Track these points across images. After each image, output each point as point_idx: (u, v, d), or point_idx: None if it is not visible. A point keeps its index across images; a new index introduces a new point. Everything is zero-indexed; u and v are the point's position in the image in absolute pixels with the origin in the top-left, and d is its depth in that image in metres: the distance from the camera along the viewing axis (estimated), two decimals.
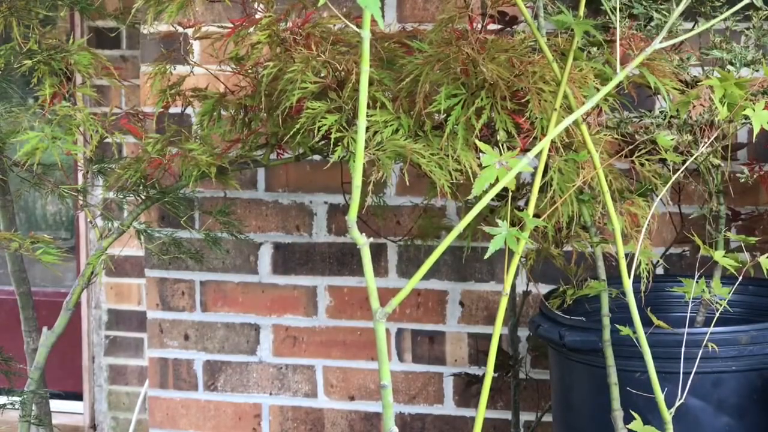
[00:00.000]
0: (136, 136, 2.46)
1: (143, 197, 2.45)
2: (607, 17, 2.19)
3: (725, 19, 2.08)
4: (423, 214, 2.86)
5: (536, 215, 1.86)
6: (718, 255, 1.94)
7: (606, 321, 2.10)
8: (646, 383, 1.93)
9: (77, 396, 4.32)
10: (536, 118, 1.97)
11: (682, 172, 1.92)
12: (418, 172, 2.03)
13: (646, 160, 2.15)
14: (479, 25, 2.12)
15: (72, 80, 2.48)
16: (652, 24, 2.23)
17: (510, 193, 1.92)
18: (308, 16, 2.24)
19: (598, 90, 1.86)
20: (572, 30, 1.75)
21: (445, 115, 2.05)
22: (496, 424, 2.91)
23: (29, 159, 2.27)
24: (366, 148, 1.99)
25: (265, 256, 3.04)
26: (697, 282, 1.99)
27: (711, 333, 2.06)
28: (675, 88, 2.00)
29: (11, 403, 2.57)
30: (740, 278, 2.03)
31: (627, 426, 1.99)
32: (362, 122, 1.00)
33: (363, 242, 1.01)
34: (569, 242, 2.19)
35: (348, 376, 3.02)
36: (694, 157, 2.06)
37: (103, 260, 2.42)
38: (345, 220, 2.70)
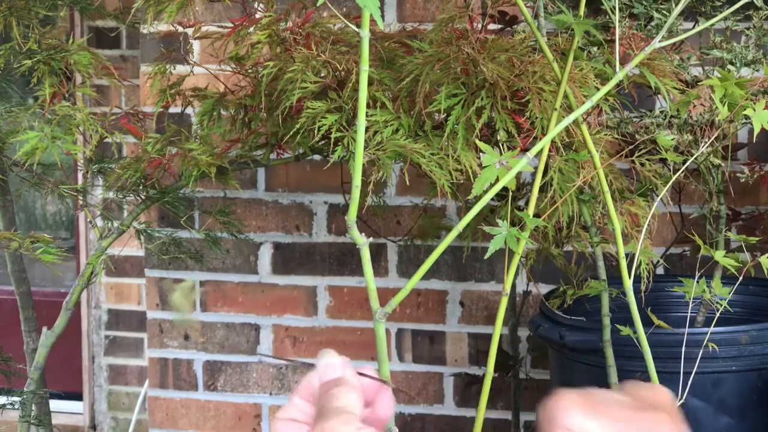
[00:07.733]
0: (136, 136, 2.46)
1: (143, 197, 2.44)
2: (607, 17, 2.18)
3: (725, 19, 2.08)
4: (423, 214, 2.85)
5: (536, 215, 1.86)
6: (719, 255, 1.94)
7: (606, 321, 2.10)
8: None
9: (77, 396, 4.32)
10: (536, 117, 1.97)
11: (682, 172, 1.92)
12: (418, 172, 2.03)
13: (647, 160, 2.15)
14: (479, 25, 2.12)
15: (72, 80, 2.47)
16: (653, 24, 2.23)
17: (510, 193, 1.92)
18: (308, 15, 2.24)
19: (598, 89, 1.86)
20: (572, 30, 1.74)
21: (445, 114, 2.04)
22: (496, 424, 2.91)
23: (29, 159, 2.26)
24: (366, 148, 1.99)
25: (265, 256, 3.04)
26: (697, 282, 1.99)
27: (711, 333, 2.06)
28: (675, 88, 2.00)
29: (11, 403, 2.57)
30: (741, 278, 2.03)
31: None
32: (362, 122, 1.00)
33: (363, 242, 1.01)
34: (569, 242, 2.19)
35: None
36: (694, 157, 2.06)
37: (103, 260, 2.42)
38: (345, 219, 2.70)
